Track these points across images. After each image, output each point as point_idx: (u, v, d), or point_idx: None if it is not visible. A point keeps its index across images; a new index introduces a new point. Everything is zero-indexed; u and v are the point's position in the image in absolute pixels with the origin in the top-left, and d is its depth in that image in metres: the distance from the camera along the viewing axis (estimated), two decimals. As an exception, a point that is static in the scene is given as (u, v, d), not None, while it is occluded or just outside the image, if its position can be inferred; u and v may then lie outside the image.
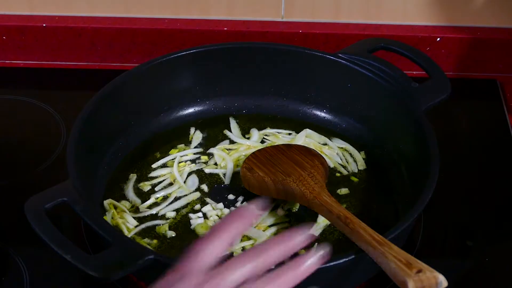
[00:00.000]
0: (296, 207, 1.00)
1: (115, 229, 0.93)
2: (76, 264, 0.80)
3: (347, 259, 0.82)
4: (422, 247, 0.97)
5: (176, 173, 1.04)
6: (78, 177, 0.90)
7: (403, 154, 1.03)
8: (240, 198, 1.02)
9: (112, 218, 0.98)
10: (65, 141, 1.10)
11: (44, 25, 1.25)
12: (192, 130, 1.11)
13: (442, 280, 0.77)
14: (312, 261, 0.69)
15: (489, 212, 1.04)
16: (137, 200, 1.01)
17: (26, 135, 1.15)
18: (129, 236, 0.96)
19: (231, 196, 1.02)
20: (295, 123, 1.12)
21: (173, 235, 0.97)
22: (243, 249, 0.95)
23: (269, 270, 0.69)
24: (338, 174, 1.06)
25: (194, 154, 1.08)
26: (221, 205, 1.01)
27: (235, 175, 1.04)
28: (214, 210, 1.00)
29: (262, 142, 1.10)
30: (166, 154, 1.08)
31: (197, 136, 1.10)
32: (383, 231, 0.85)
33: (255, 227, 0.97)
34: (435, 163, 0.92)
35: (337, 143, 1.09)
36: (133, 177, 1.04)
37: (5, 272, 0.95)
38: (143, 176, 1.04)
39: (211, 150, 1.08)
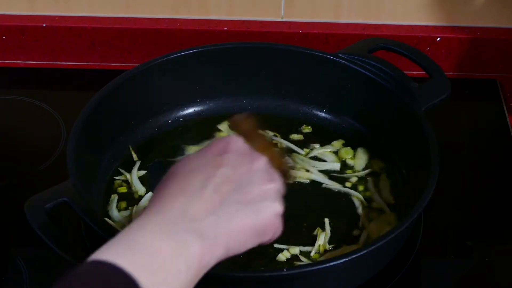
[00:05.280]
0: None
1: (116, 229, 0.93)
2: (76, 264, 0.80)
3: (347, 259, 0.82)
4: (422, 247, 0.97)
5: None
6: (78, 177, 0.90)
7: (403, 154, 1.03)
8: None
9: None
10: (65, 141, 1.10)
11: (44, 25, 1.25)
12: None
13: None
14: None
15: (489, 212, 1.04)
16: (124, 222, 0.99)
17: (26, 135, 1.15)
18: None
19: None
20: (295, 123, 1.12)
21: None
22: None
23: None
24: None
25: None
26: None
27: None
28: None
29: None
30: (164, 154, 1.08)
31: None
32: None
33: None
34: (435, 163, 0.92)
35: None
36: (114, 197, 1.02)
37: (5, 272, 0.95)
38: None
39: None
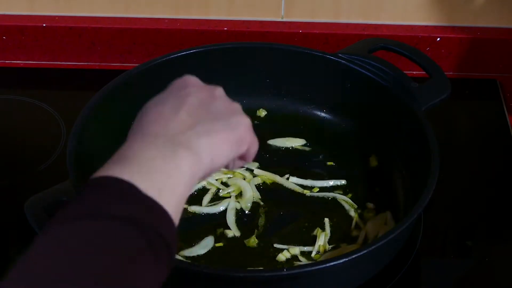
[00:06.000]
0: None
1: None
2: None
3: (347, 259, 0.82)
4: (422, 247, 0.97)
5: None
6: (78, 177, 0.90)
7: (403, 154, 1.03)
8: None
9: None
10: (65, 141, 1.10)
11: (44, 25, 1.25)
12: None
13: None
14: None
15: (489, 212, 1.04)
16: None
17: (26, 135, 1.15)
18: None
19: None
20: (295, 123, 1.12)
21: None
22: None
23: None
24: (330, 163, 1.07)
25: None
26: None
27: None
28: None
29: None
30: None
31: None
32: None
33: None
34: (435, 163, 0.92)
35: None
36: None
37: (5, 272, 0.94)
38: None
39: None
